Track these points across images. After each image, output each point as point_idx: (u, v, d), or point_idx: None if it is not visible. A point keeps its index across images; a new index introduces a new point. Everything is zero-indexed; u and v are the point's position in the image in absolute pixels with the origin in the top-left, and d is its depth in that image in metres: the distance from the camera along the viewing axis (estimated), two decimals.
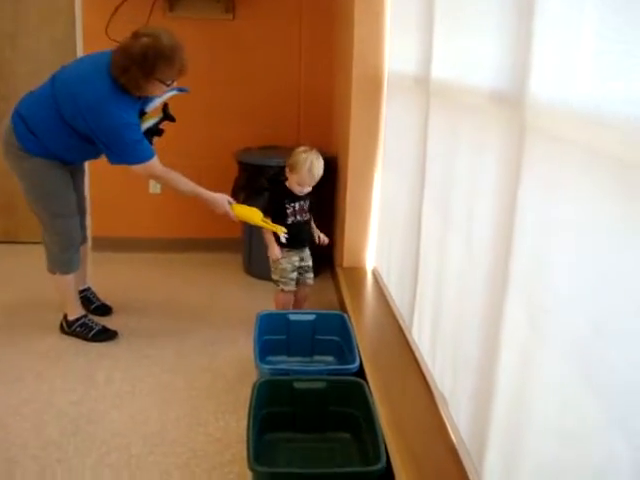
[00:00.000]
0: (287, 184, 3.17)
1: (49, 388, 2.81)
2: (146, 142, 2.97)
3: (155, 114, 3.13)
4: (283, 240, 3.10)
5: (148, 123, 3.09)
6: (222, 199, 3.12)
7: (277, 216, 3.17)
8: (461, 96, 2.13)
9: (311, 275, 3.33)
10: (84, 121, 2.84)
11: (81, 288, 3.49)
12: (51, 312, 3.44)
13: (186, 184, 3.09)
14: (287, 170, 3.16)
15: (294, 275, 3.26)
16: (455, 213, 2.16)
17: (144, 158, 2.94)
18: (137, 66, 2.74)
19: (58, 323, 3.34)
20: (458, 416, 2.09)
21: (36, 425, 2.53)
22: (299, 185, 3.13)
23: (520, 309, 1.59)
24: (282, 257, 3.20)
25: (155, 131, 3.14)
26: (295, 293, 3.32)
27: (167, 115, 3.13)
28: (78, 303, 3.36)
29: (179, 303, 3.81)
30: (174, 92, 3.08)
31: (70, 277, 3.25)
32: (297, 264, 3.26)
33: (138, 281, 4.15)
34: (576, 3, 1.33)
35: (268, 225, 3.11)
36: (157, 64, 2.75)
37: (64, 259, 3.20)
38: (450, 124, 2.24)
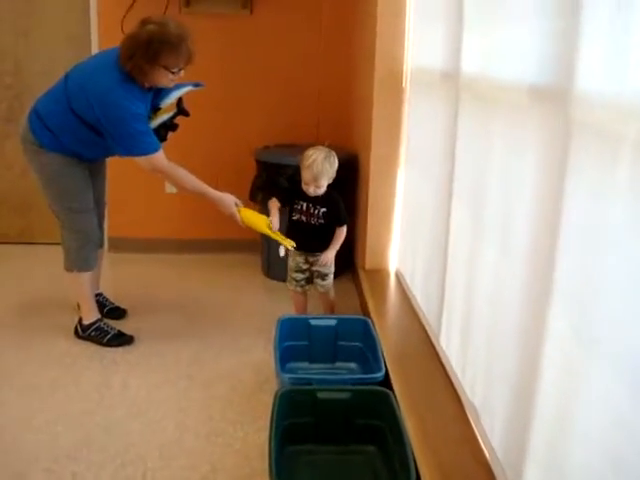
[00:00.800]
0: None
1: (63, 396, 2.72)
2: (152, 135, 2.90)
3: (170, 109, 3.04)
4: (290, 248, 3.01)
5: (162, 118, 3.03)
6: (229, 200, 3.04)
7: (277, 197, 3.16)
8: (495, 91, 2.01)
9: (322, 282, 3.19)
10: (92, 112, 2.79)
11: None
12: (65, 315, 3.37)
13: (192, 181, 3.02)
14: None
15: (298, 276, 3.19)
16: (488, 216, 2.03)
17: (149, 150, 2.87)
18: (142, 52, 2.71)
19: (73, 326, 3.25)
20: (492, 430, 1.97)
21: (48, 437, 2.43)
22: (305, 184, 3.04)
23: (565, 321, 1.47)
24: (288, 255, 3.17)
25: (169, 126, 3.07)
26: (321, 298, 3.25)
27: (181, 109, 3.05)
28: (94, 306, 3.28)
29: (196, 306, 3.71)
30: (189, 87, 3.02)
31: (86, 276, 3.18)
32: (303, 266, 3.17)
33: (154, 283, 4.06)
34: None
35: (275, 235, 3.02)
36: (161, 51, 2.71)
37: (81, 255, 3.14)
38: (482, 122, 2.12)
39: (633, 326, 1.19)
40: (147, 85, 2.86)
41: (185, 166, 4.44)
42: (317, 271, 3.17)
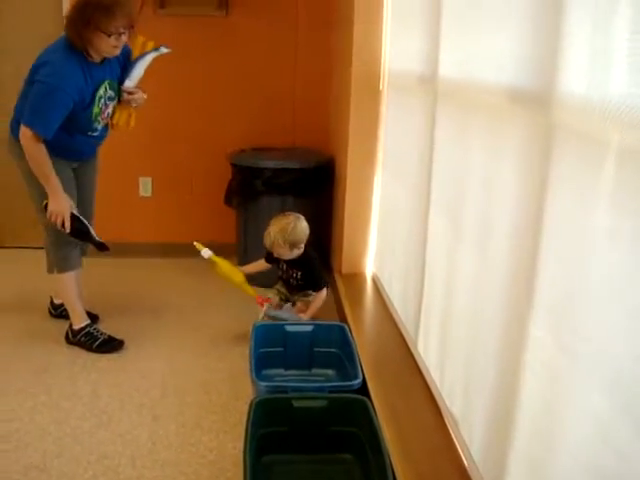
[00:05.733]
0: None
1: (32, 405, 2.65)
2: (50, 119, 2.80)
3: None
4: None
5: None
6: (62, 200, 2.90)
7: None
8: (473, 95, 1.98)
9: (304, 299, 3.22)
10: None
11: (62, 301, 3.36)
12: (35, 321, 3.30)
13: (42, 166, 2.86)
14: None
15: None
16: (467, 221, 2.01)
17: (34, 125, 2.78)
18: (78, 16, 2.75)
19: (43, 332, 3.18)
20: (471, 440, 1.94)
21: (17, 447, 2.37)
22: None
23: (546, 329, 1.44)
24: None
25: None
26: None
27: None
28: (81, 310, 3.22)
29: (170, 311, 3.64)
30: (152, 55, 3.01)
31: (68, 277, 3.13)
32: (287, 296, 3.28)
33: (127, 288, 3.99)
34: None
35: (248, 289, 3.19)
36: (94, 13, 2.72)
37: (59, 256, 3.11)
38: (460, 126, 2.09)
39: (615, 335, 1.17)
40: (93, 53, 2.84)
41: (160, 169, 4.42)
42: (299, 299, 3.24)
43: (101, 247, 3.03)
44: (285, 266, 3.19)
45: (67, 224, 2.90)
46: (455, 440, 2.06)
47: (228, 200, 3.95)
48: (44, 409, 2.62)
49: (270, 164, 3.75)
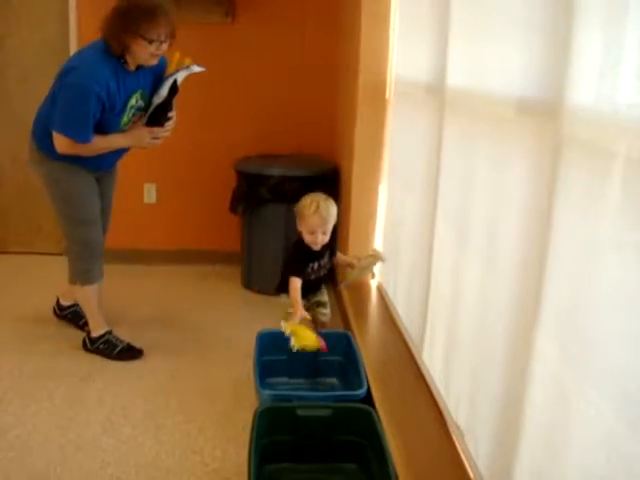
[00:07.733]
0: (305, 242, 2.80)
1: (36, 411, 2.64)
2: (87, 123, 2.73)
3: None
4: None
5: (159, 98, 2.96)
6: (139, 130, 2.94)
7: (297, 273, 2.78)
8: (481, 105, 1.98)
9: (325, 311, 3.02)
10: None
11: (69, 303, 3.36)
12: (41, 327, 3.29)
13: (100, 148, 2.86)
14: (298, 223, 2.80)
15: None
16: (474, 232, 2.00)
17: (69, 133, 2.74)
18: (119, 21, 2.67)
19: (47, 339, 3.18)
20: (477, 451, 1.93)
21: (20, 453, 2.36)
22: (311, 234, 2.75)
23: (553, 340, 1.44)
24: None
25: (163, 107, 2.99)
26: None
27: (172, 89, 2.95)
28: (101, 319, 3.20)
29: (174, 319, 3.64)
30: (186, 72, 2.92)
31: (89, 289, 3.12)
32: (305, 304, 2.85)
33: (131, 295, 3.97)
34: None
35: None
36: (137, 18, 2.65)
37: (81, 268, 3.09)
38: (468, 136, 2.09)
39: (622, 347, 1.17)
40: (130, 61, 2.77)
41: (165, 176, 4.41)
42: (317, 301, 3.00)
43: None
44: (317, 264, 2.83)
45: (158, 132, 2.97)
46: (460, 451, 2.05)
47: (233, 207, 3.95)
48: (48, 416, 2.62)
49: (275, 171, 3.74)
